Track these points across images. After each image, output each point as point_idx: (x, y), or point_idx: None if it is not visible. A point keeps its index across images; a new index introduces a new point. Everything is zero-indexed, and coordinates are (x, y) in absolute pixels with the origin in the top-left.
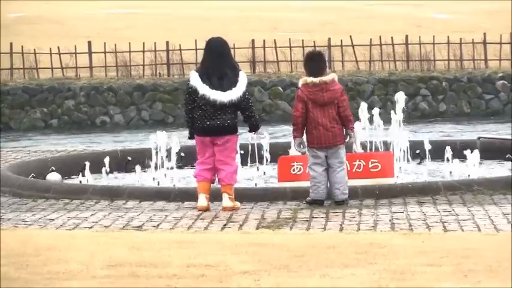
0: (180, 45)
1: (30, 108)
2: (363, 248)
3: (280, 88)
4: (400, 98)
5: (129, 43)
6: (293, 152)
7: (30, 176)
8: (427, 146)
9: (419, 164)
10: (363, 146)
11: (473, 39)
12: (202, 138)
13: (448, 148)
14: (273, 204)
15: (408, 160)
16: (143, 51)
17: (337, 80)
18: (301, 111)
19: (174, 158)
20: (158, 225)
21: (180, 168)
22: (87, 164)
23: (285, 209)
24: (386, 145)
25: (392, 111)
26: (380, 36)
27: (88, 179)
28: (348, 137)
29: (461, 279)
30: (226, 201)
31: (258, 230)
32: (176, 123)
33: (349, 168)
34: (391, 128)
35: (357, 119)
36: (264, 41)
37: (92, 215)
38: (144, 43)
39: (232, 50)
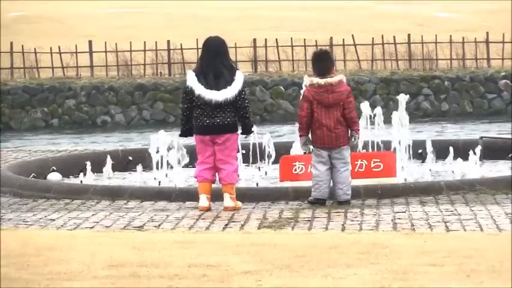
0: (181, 44)
1: (31, 107)
2: (365, 248)
3: (281, 87)
4: (402, 99)
5: (130, 42)
6: (296, 150)
7: (31, 176)
8: (429, 146)
9: (422, 163)
10: (365, 145)
11: (475, 39)
12: (202, 137)
13: (450, 148)
14: (274, 204)
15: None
16: (144, 51)
17: (345, 81)
18: (307, 111)
19: (176, 157)
20: (159, 225)
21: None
22: (88, 163)
23: (286, 208)
24: (388, 144)
25: (394, 112)
26: (382, 35)
27: (93, 177)
28: (353, 138)
29: (464, 279)
30: (228, 201)
31: (259, 230)
32: (177, 123)
33: (351, 168)
34: (393, 128)
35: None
36: (265, 40)
37: (93, 215)
38: (145, 42)
39: (233, 49)
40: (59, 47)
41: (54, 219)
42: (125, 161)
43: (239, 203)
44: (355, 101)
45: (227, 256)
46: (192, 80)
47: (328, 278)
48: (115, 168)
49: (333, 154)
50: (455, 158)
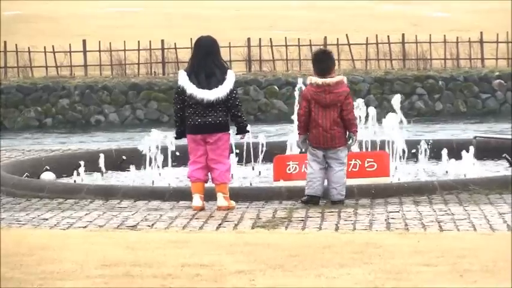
0: (175, 43)
1: (24, 107)
2: (359, 248)
3: (275, 87)
4: (396, 100)
5: (124, 42)
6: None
7: (24, 175)
8: (423, 146)
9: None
10: (359, 144)
11: (469, 38)
12: (194, 137)
13: (444, 148)
14: (268, 203)
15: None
16: (138, 50)
17: (346, 82)
18: (305, 110)
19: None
20: (153, 224)
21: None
22: (82, 163)
23: (280, 208)
24: (381, 144)
25: (388, 113)
26: (376, 35)
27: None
28: (351, 140)
29: (457, 279)
30: (221, 200)
31: (253, 229)
32: (171, 122)
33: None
34: (387, 128)
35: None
36: (259, 39)
37: (86, 214)
38: (139, 42)
39: (227, 49)
40: (52, 46)
41: (47, 219)
42: (119, 161)
43: (233, 203)
44: None
45: (220, 256)
46: (183, 80)
47: (321, 277)
48: (108, 167)
49: (328, 154)
50: (449, 157)
